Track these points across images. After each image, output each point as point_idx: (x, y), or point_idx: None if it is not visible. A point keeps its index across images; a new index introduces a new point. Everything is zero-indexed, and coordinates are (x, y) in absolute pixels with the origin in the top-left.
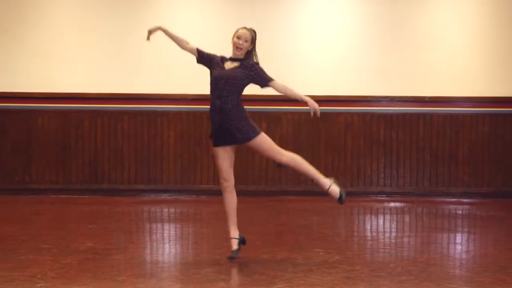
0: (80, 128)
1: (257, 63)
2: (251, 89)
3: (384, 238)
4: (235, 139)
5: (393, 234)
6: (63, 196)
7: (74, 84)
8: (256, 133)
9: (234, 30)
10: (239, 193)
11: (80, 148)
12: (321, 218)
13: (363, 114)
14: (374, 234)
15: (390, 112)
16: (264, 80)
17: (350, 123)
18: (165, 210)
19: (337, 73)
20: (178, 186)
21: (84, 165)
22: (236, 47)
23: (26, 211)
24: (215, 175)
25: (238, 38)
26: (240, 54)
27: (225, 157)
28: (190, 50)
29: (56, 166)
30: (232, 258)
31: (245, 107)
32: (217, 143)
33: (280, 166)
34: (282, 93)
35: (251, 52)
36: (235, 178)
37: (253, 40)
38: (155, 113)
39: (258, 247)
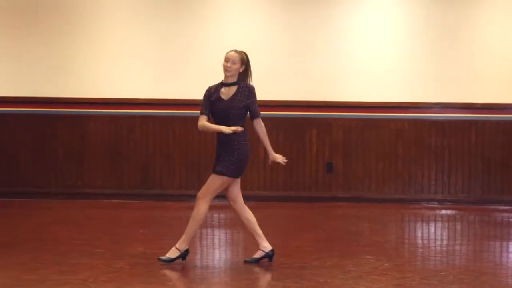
0: (132, 133)
1: (253, 89)
2: (301, 95)
3: (435, 246)
4: None
5: (445, 242)
6: (115, 200)
7: (126, 90)
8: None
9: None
10: (289, 199)
11: (131, 153)
12: (371, 225)
13: (414, 121)
14: (425, 241)
15: (441, 118)
16: (254, 113)
17: (401, 129)
18: (215, 215)
19: (388, 79)
20: None
21: (135, 170)
22: (224, 69)
23: (79, 215)
24: (266, 180)
25: (226, 61)
26: (230, 76)
27: None
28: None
29: (108, 171)
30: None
31: (293, 113)
32: None
33: None
34: (256, 132)
35: (244, 74)
36: (285, 183)
37: (243, 62)
38: None
39: (308, 253)
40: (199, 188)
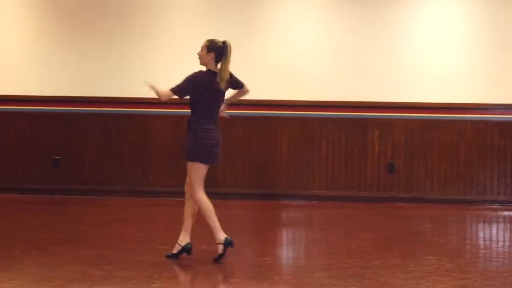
0: None
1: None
2: (363, 95)
3: (497, 247)
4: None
5: (507, 243)
6: (179, 199)
7: None
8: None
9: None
10: (351, 199)
11: None
12: (433, 226)
13: (477, 122)
14: (487, 242)
15: (504, 120)
16: None
17: (463, 130)
18: (277, 214)
19: (450, 80)
20: (290, 191)
21: None
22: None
23: (144, 213)
24: (327, 180)
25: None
26: (203, 64)
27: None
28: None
29: (172, 169)
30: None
31: (355, 114)
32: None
33: None
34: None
35: (223, 63)
36: (346, 183)
37: (208, 49)
38: (268, 118)
39: (369, 253)
40: (262, 187)
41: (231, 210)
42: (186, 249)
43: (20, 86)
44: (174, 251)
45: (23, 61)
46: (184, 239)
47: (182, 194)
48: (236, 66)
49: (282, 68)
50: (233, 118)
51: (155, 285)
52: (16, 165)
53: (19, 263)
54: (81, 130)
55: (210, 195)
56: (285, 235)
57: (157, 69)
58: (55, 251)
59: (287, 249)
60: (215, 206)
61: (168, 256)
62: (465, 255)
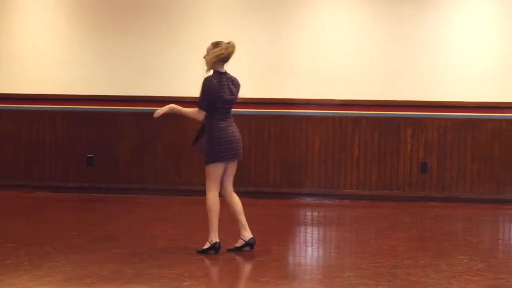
0: None
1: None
2: (396, 94)
3: None
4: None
5: None
6: None
7: None
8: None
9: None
10: (383, 199)
11: None
12: (465, 225)
13: (511, 121)
14: None
15: None
16: None
17: (498, 130)
18: (309, 213)
19: (485, 79)
20: (322, 190)
21: None
22: None
23: (176, 211)
24: (359, 179)
25: None
26: (209, 69)
27: None
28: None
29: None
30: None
31: (388, 112)
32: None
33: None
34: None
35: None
36: (378, 182)
37: (208, 51)
38: (300, 117)
39: (401, 253)
40: (293, 186)
41: (262, 209)
42: (249, 244)
43: (53, 85)
44: (238, 245)
45: (57, 60)
46: (247, 235)
47: None
48: (267, 66)
49: (314, 67)
50: (266, 116)
51: (185, 283)
52: (50, 164)
53: (51, 260)
54: (115, 128)
55: (241, 194)
56: (316, 234)
57: (187, 69)
58: (87, 249)
59: (318, 248)
60: (247, 205)
61: (230, 250)
62: (497, 255)
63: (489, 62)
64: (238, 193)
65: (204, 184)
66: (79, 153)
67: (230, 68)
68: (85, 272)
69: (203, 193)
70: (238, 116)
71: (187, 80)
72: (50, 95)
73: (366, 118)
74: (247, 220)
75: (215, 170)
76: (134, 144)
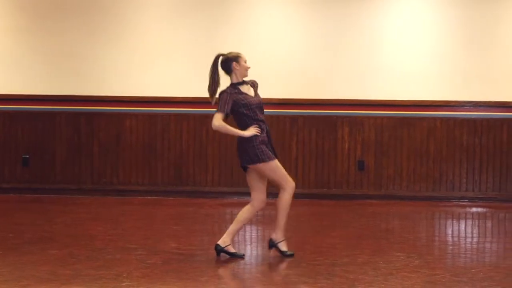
0: (166, 131)
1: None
2: (333, 93)
3: (465, 243)
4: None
5: (475, 240)
6: (149, 197)
7: (161, 88)
8: None
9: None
10: (322, 197)
11: (166, 151)
12: (402, 223)
13: (446, 119)
14: (456, 239)
15: (473, 117)
16: None
17: (433, 128)
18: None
19: (420, 78)
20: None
21: (169, 167)
22: (247, 70)
23: (114, 211)
24: (297, 178)
25: (246, 62)
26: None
27: None
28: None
29: (142, 168)
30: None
31: (326, 111)
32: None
33: None
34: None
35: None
36: (317, 181)
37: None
38: None
39: (339, 250)
40: (232, 185)
41: (202, 209)
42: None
43: None
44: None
45: None
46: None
47: (152, 193)
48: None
49: (250, 66)
50: (203, 116)
51: (124, 283)
52: None
53: None
54: (52, 129)
55: (179, 194)
56: (255, 233)
57: (132, 68)
58: (24, 250)
59: (257, 247)
60: (184, 205)
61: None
62: (434, 251)
63: (424, 61)
64: (175, 192)
65: (145, 184)
66: (15, 153)
67: (166, 66)
68: (21, 274)
69: (140, 192)
70: (177, 116)
71: (126, 80)
72: None
73: (304, 116)
74: (180, 219)
75: (273, 164)
76: (71, 144)
